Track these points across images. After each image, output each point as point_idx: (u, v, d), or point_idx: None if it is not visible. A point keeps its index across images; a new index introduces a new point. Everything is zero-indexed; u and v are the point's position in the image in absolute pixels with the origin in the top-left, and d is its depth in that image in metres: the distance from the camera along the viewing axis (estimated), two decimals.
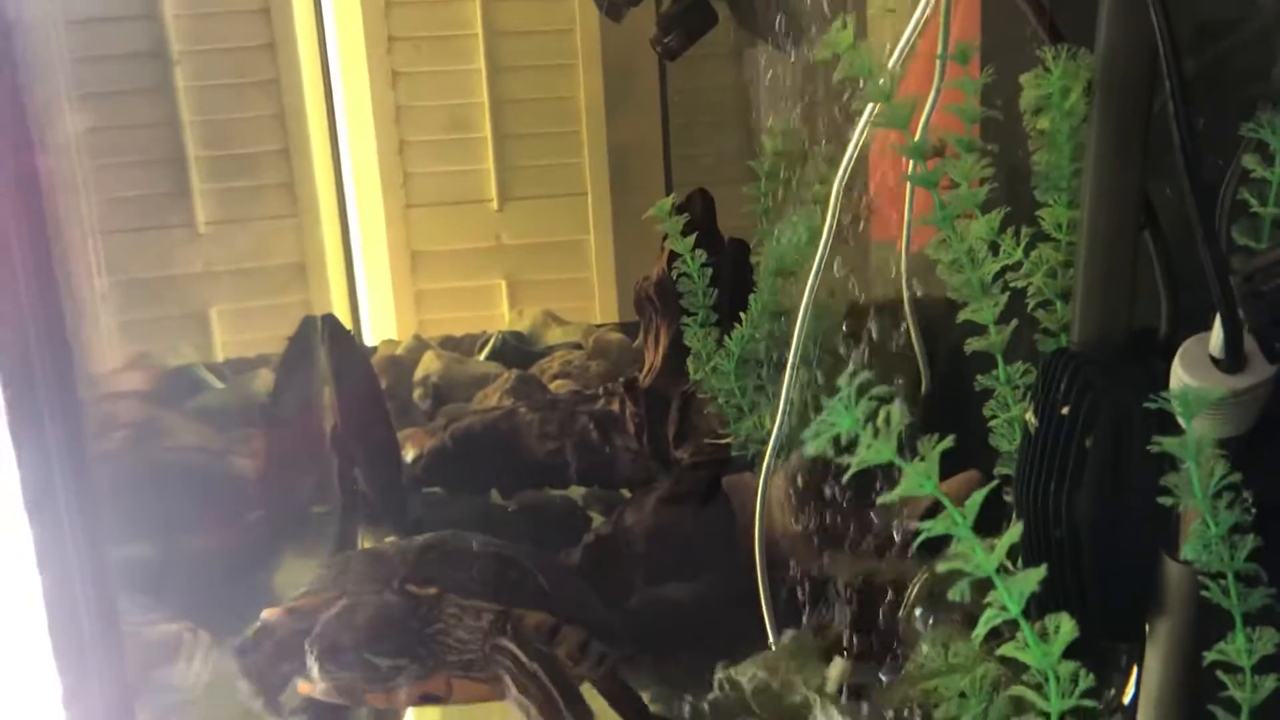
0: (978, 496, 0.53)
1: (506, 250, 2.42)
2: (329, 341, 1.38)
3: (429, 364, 1.96)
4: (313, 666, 0.99)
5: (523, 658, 1.00)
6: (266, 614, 1.07)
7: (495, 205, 2.39)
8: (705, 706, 1.06)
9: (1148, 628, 0.77)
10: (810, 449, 0.53)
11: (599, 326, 2.22)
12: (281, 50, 2.28)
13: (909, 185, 1.15)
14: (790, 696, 1.02)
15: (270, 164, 2.28)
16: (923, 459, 0.52)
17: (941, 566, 0.54)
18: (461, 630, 1.03)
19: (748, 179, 1.35)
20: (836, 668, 1.04)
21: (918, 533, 0.98)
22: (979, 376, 0.88)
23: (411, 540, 1.11)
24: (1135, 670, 0.83)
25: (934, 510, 0.60)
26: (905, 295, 1.09)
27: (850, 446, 0.54)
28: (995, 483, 0.54)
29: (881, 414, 0.52)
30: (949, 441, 0.51)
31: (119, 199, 2.13)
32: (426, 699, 1.04)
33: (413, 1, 2.33)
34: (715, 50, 2.14)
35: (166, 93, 2.16)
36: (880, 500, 0.53)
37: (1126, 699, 0.87)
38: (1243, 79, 0.80)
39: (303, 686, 1.04)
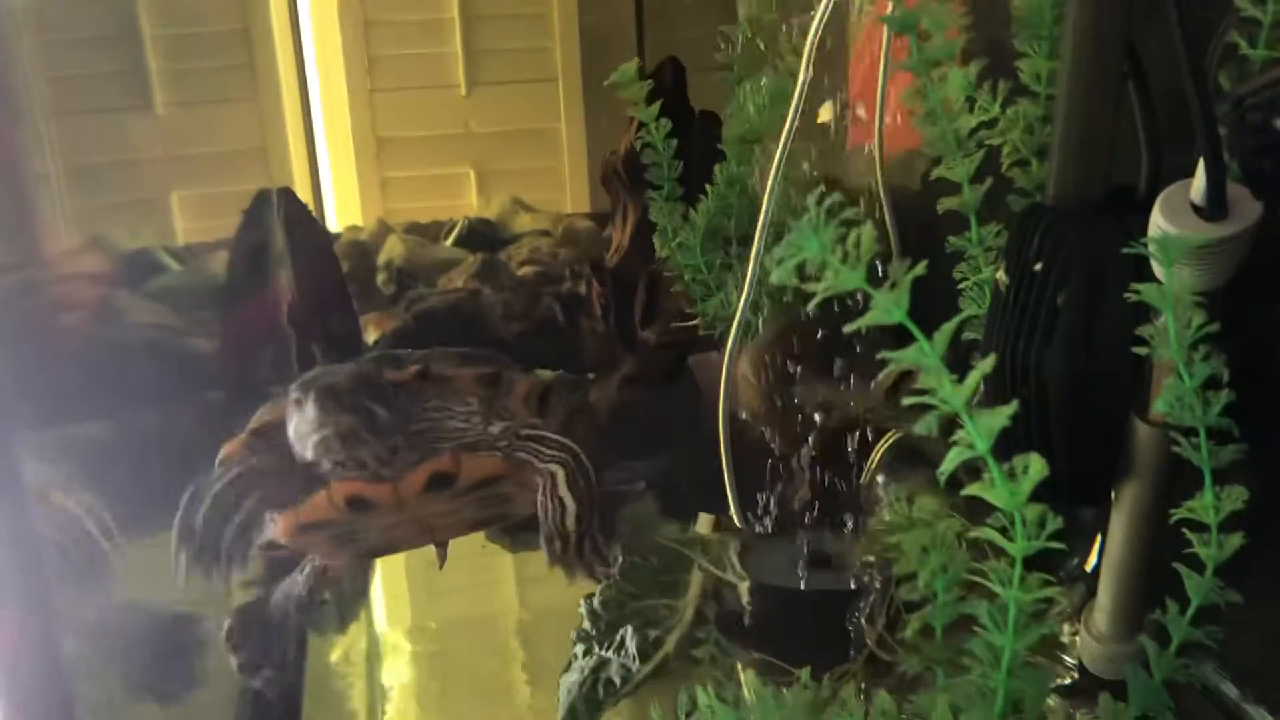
0: (948, 327, 0.50)
1: (475, 138, 2.36)
2: (284, 214, 1.34)
3: (393, 248, 1.92)
4: (309, 411, 0.90)
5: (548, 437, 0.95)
6: (224, 450, 1.00)
7: (463, 90, 2.32)
8: (596, 606, 1.04)
9: (1114, 493, 0.76)
10: (775, 276, 0.50)
11: (569, 215, 2.18)
12: None
13: (882, 66, 1.11)
14: (656, 559, 1.01)
15: (230, 44, 2.21)
16: (894, 285, 0.49)
17: (907, 400, 0.52)
18: (454, 420, 0.97)
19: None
20: (704, 523, 1.03)
21: (883, 402, 0.97)
22: (950, 239, 0.86)
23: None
24: (1099, 539, 0.82)
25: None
26: (878, 157, 1.06)
27: (818, 276, 0.51)
28: (965, 314, 0.51)
29: (851, 238, 0.49)
30: (921, 268, 0.49)
31: (73, 78, 2.06)
32: (436, 480, 0.97)
33: None
34: None
35: None
36: (846, 328, 0.50)
37: (1089, 566, 0.86)
38: None
39: (307, 508, 0.96)
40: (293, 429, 0.93)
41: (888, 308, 0.50)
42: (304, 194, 2.32)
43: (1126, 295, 0.65)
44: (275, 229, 1.40)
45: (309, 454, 0.93)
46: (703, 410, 1.19)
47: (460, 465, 0.97)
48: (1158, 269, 0.65)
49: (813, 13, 1.00)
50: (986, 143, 0.81)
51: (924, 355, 0.50)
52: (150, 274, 1.88)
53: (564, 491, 0.99)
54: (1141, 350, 0.65)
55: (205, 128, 2.18)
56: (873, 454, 0.94)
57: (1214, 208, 0.64)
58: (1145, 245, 0.63)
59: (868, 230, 0.49)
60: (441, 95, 2.33)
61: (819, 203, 0.50)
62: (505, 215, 2.15)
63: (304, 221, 1.39)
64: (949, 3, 0.77)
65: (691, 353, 1.31)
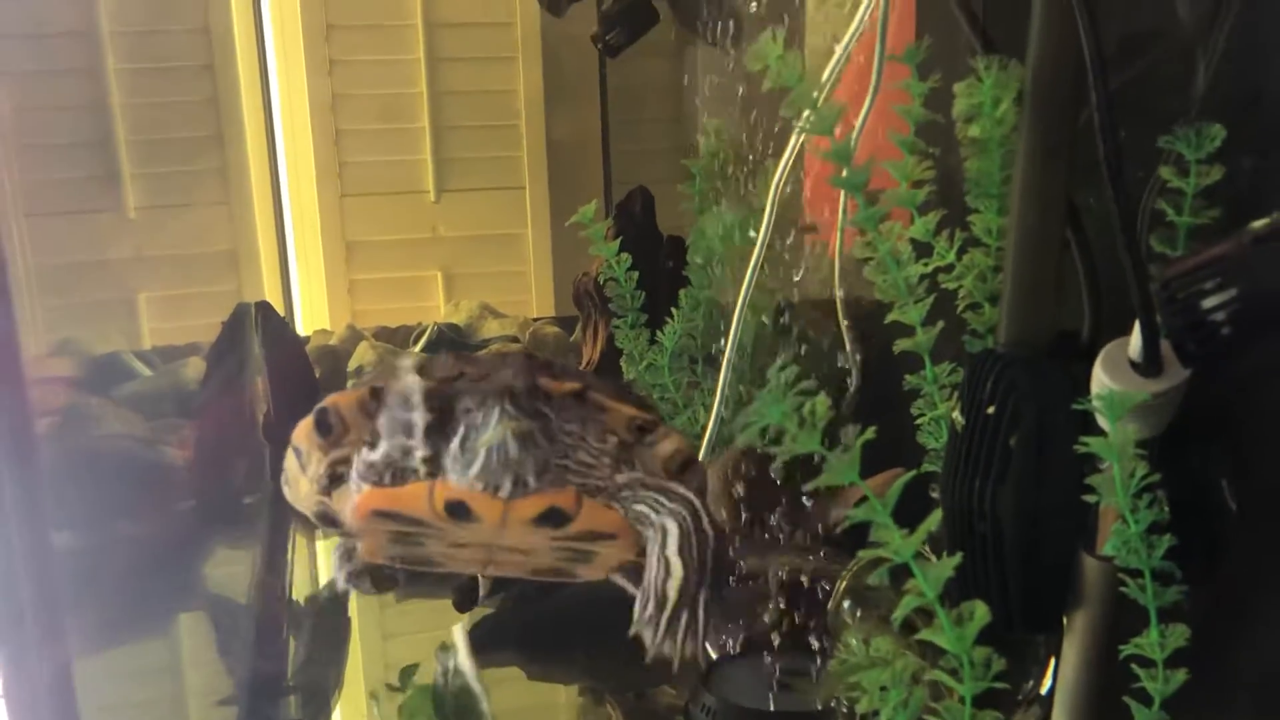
0: (898, 485, 0.55)
1: (443, 242, 2.41)
2: (262, 328, 1.37)
3: (363, 355, 1.95)
4: (487, 415, 0.81)
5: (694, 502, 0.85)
6: (331, 399, 0.87)
7: (432, 197, 2.38)
8: None
9: (1065, 621, 0.80)
10: (741, 439, 0.54)
11: (536, 320, 2.22)
12: (216, 34, 2.25)
13: (841, 212, 1.17)
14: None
15: (203, 149, 2.25)
16: (846, 450, 0.53)
17: (863, 553, 0.56)
18: (585, 453, 0.87)
19: (687, 176, 1.37)
20: (458, 635, 1.03)
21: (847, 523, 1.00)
22: (908, 376, 0.90)
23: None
24: (1052, 662, 0.86)
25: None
26: (838, 294, 1.11)
27: (779, 438, 0.55)
28: (915, 471, 0.56)
29: (807, 406, 0.53)
30: (871, 433, 0.53)
31: (46, 181, 2.08)
32: (551, 515, 0.86)
33: None
34: (656, 47, 2.16)
35: (97, 74, 2.13)
36: (805, 488, 0.54)
37: (1044, 689, 0.90)
38: (1164, 92, 0.83)
39: (400, 495, 0.84)
40: (457, 442, 0.83)
41: (842, 472, 0.54)
42: (274, 296, 2.35)
43: (1073, 441, 0.70)
44: (252, 342, 1.43)
45: (475, 467, 0.83)
46: None
47: (580, 508, 0.86)
48: (1102, 420, 0.69)
49: (772, 160, 1.05)
50: (944, 285, 0.86)
51: (876, 513, 0.54)
52: (119, 379, 1.89)
53: (672, 552, 0.87)
54: (1091, 498, 0.69)
55: (176, 230, 2.21)
56: (840, 578, 0.97)
57: (1149, 365, 0.69)
58: (1090, 400, 0.68)
59: (821, 400, 0.54)
60: (411, 201, 2.39)
61: (778, 375, 0.54)
62: (473, 320, 2.19)
63: (281, 336, 1.42)
64: (913, 155, 0.83)
65: None
